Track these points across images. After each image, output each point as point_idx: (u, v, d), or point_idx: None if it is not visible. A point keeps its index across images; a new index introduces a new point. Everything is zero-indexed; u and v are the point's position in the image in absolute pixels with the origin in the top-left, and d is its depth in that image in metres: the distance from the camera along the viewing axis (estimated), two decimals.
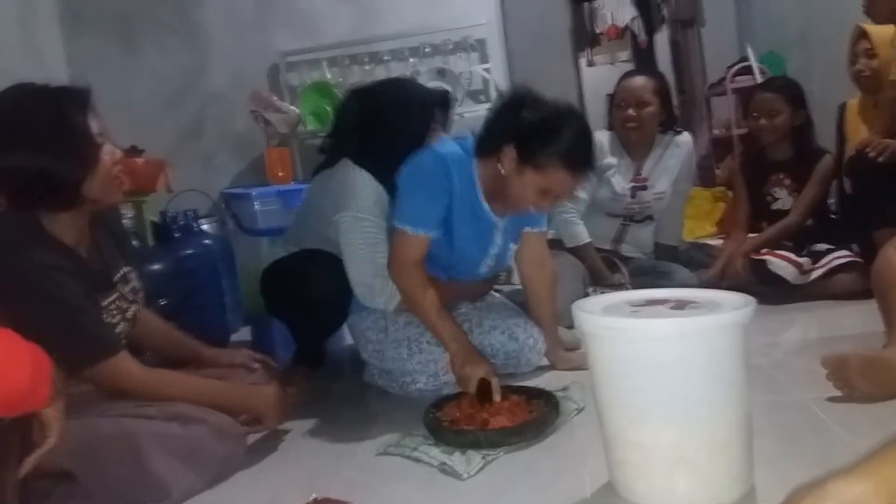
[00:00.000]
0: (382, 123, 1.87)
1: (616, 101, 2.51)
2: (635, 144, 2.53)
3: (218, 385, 1.49)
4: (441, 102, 1.95)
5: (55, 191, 1.30)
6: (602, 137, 2.53)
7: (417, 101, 1.93)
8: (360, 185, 1.81)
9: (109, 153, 1.35)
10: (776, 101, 2.55)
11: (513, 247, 1.88)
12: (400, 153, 1.75)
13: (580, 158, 1.60)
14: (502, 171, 1.62)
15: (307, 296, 1.83)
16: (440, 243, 1.72)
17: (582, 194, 2.48)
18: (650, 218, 2.61)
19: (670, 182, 2.56)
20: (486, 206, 1.74)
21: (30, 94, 1.30)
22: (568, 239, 2.47)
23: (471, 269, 1.85)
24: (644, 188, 2.54)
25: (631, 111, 2.46)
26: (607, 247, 2.58)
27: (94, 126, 1.33)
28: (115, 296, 1.42)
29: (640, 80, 2.50)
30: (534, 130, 1.58)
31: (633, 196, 2.53)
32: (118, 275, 1.46)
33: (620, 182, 2.51)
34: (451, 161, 1.67)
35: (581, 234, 2.47)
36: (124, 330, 1.45)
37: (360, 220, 1.79)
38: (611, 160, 2.51)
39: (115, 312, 1.41)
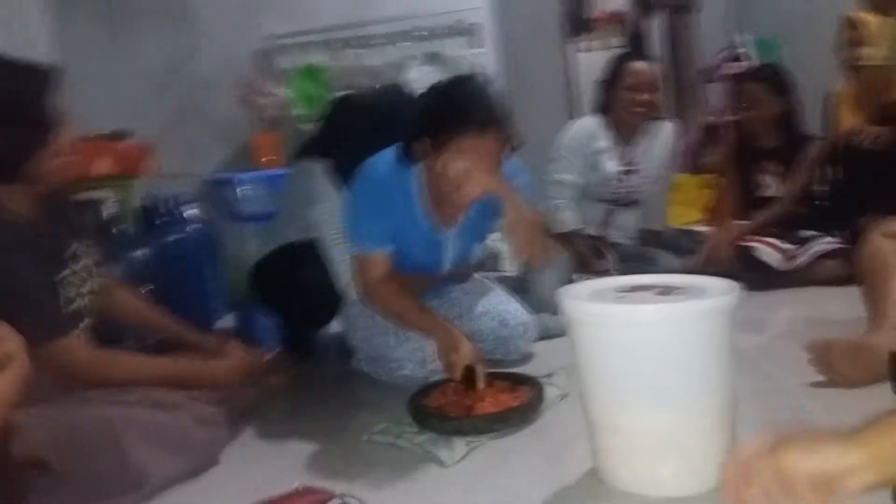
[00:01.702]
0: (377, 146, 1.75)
1: (627, 85, 2.46)
2: (629, 129, 2.53)
3: (170, 363, 1.47)
4: None
5: None
6: (591, 122, 2.53)
7: None
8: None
9: (63, 137, 1.33)
10: (762, 91, 2.55)
11: (479, 245, 1.85)
12: None
13: (483, 114, 1.50)
14: (427, 167, 1.57)
15: (303, 291, 1.83)
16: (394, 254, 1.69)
17: (571, 178, 2.48)
18: (636, 202, 2.62)
19: (657, 167, 2.58)
20: (425, 221, 1.69)
21: None
22: (555, 225, 2.47)
23: (431, 272, 1.83)
24: (634, 172, 2.54)
25: (647, 96, 2.45)
26: (595, 232, 2.58)
27: (52, 108, 1.31)
28: (66, 272, 1.40)
29: (652, 65, 2.50)
30: (431, 114, 1.53)
31: (621, 180, 2.53)
32: (69, 251, 1.43)
33: (613, 165, 2.52)
34: (382, 179, 1.62)
35: (568, 220, 2.47)
36: (84, 307, 1.42)
37: (336, 214, 1.77)
38: (602, 143, 2.51)
39: (70, 288, 1.39)
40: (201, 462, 1.36)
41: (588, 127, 2.53)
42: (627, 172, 2.53)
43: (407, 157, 1.61)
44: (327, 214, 1.78)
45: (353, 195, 1.66)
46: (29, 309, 1.29)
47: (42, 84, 1.31)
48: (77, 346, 1.34)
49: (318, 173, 1.81)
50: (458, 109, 1.51)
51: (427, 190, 1.66)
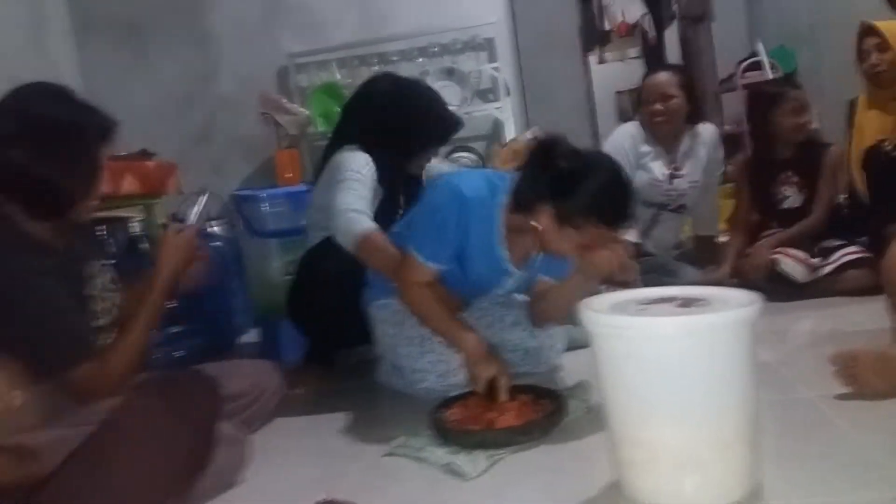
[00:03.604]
0: (400, 119, 2.02)
1: (642, 98, 2.59)
2: (664, 136, 2.59)
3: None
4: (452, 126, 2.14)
5: (44, 204, 1.31)
6: (632, 128, 2.61)
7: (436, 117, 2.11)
8: (355, 157, 1.93)
9: (103, 183, 1.38)
10: (805, 97, 2.57)
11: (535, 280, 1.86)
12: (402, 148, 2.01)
13: (619, 213, 1.52)
14: (539, 228, 1.54)
15: (339, 316, 1.89)
16: (452, 269, 1.70)
17: None
18: (683, 207, 2.65)
19: (702, 171, 2.63)
20: (504, 254, 1.69)
21: (69, 107, 1.32)
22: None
23: (477, 295, 1.85)
24: (680, 176, 2.59)
25: (658, 105, 2.53)
26: (633, 238, 2.56)
27: (105, 156, 1.36)
28: (99, 287, 1.43)
29: (663, 76, 2.57)
30: (569, 189, 1.48)
31: (670, 182, 2.58)
32: (93, 268, 1.46)
33: (659, 167, 2.55)
34: (473, 205, 1.62)
35: None
36: (110, 322, 1.44)
37: (355, 179, 1.89)
38: (645, 148, 2.56)
39: (98, 303, 1.41)
40: (221, 483, 1.34)
41: (630, 131, 2.63)
42: (674, 176, 2.58)
43: (517, 204, 1.59)
44: (353, 172, 1.90)
45: (430, 206, 1.66)
46: (69, 328, 1.30)
47: (107, 137, 1.35)
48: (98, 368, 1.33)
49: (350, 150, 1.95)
50: (603, 202, 1.48)
51: (509, 228, 1.66)
